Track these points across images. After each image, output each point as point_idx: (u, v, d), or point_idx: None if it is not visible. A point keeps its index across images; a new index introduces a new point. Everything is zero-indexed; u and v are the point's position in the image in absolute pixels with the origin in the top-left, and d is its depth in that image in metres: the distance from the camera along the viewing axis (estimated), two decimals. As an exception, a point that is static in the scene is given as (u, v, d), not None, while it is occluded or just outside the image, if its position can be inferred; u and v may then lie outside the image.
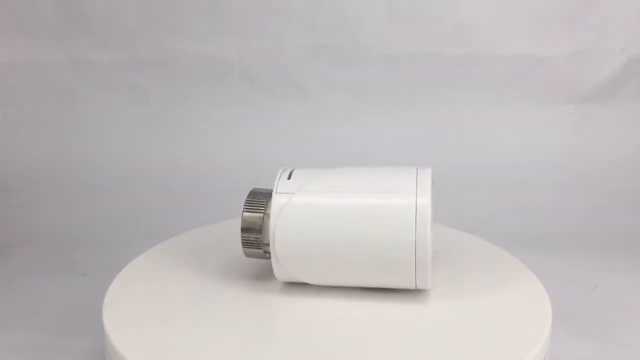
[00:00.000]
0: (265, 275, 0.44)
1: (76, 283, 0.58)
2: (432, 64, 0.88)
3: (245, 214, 0.40)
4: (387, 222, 0.37)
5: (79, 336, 0.50)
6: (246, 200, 0.41)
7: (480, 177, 0.82)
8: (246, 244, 0.41)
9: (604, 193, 0.79)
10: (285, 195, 0.39)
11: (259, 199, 0.41)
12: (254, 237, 0.40)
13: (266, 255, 0.41)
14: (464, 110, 0.89)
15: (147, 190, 0.80)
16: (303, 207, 0.39)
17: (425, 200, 0.37)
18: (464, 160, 0.85)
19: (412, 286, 0.39)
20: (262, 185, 0.43)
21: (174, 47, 0.88)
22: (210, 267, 0.45)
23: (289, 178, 0.40)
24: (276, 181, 0.40)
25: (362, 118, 0.89)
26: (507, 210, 0.75)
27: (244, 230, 0.40)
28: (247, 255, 0.42)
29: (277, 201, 0.39)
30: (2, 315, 0.53)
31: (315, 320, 0.39)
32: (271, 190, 0.40)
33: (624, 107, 0.88)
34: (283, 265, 0.40)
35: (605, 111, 0.88)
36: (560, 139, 0.88)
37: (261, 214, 0.40)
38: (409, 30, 0.87)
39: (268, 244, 0.40)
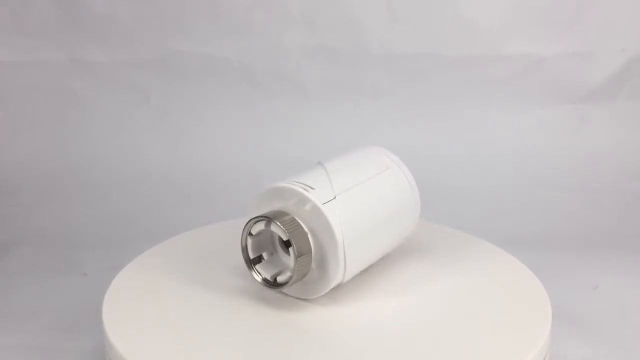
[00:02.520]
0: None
1: (76, 283, 0.58)
2: (432, 64, 0.88)
3: (296, 240, 0.38)
4: (397, 189, 0.45)
5: (79, 336, 0.50)
6: (283, 227, 0.37)
7: (480, 177, 0.82)
8: (303, 268, 0.38)
9: (604, 193, 0.79)
10: (331, 204, 0.39)
11: (288, 219, 0.38)
12: (308, 258, 0.38)
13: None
14: (464, 110, 0.89)
15: (147, 190, 0.80)
16: (350, 206, 0.40)
17: (404, 167, 0.46)
18: (464, 160, 0.85)
19: (411, 230, 0.47)
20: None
21: (174, 47, 0.88)
22: (211, 267, 0.45)
23: (313, 188, 0.39)
24: (309, 195, 0.38)
25: (361, 118, 0.89)
26: (507, 210, 0.75)
27: (302, 254, 0.38)
28: (296, 281, 0.39)
29: (330, 212, 0.38)
30: (2, 315, 0.53)
31: (315, 316, 0.39)
32: (277, 210, 0.39)
33: (624, 107, 0.88)
34: (347, 269, 0.39)
35: (605, 111, 0.88)
36: (560, 139, 0.88)
37: (306, 234, 0.38)
38: (409, 30, 0.87)
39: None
